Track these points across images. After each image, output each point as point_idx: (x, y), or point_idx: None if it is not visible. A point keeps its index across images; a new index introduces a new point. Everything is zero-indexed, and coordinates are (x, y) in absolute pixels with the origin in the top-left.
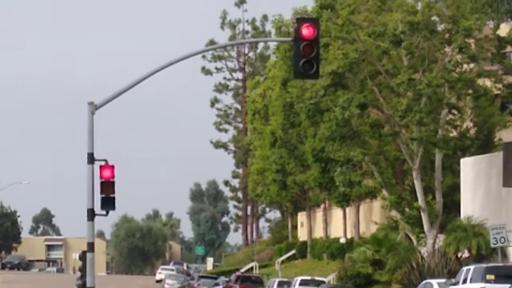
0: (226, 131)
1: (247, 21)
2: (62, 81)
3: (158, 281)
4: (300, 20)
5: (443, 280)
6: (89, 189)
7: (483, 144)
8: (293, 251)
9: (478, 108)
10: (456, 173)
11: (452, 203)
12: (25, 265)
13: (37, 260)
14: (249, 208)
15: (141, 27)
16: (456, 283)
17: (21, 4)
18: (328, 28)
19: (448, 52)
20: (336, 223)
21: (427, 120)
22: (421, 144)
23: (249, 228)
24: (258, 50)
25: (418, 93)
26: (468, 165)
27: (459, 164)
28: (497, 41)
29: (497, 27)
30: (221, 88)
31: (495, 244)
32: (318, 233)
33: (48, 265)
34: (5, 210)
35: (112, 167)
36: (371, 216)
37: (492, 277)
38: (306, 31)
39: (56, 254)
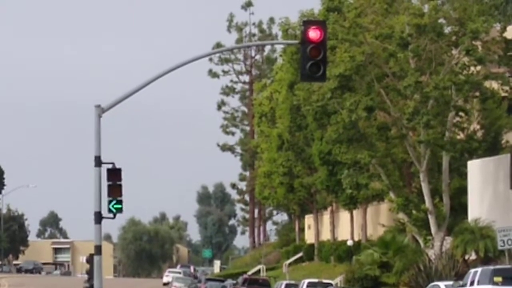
0: (233, 134)
1: (253, 24)
2: (69, 83)
3: (165, 284)
4: (307, 22)
5: (450, 283)
6: (96, 192)
7: (490, 146)
8: (300, 254)
9: (485, 110)
10: (463, 176)
11: (460, 206)
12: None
13: (44, 263)
14: (256, 210)
15: (147, 31)
16: (463, 285)
17: (28, 5)
18: (335, 30)
19: (455, 54)
20: (343, 226)
21: (434, 123)
22: (428, 147)
23: (256, 230)
24: (265, 53)
25: (425, 96)
26: (475, 168)
27: (466, 167)
28: (504, 43)
29: (504, 29)
30: (228, 91)
31: (502, 246)
32: (325, 235)
33: (55, 268)
34: (12, 213)
35: (119, 170)
36: (378, 219)
37: (499, 279)
38: (313, 33)
39: (63, 257)
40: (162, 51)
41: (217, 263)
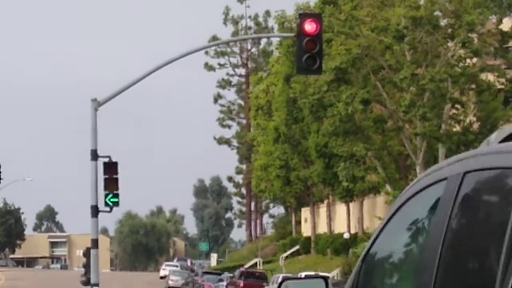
0: (229, 127)
1: (249, 17)
2: (66, 78)
3: (162, 278)
4: (303, 15)
5: None
6: (92, 186)
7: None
8: (297, 247)
9: (481, 102)
10: None
11: None
12: None
13: (41, 257)
14: (252, 204)
15: (144, 24)
16: None
17: (24, 4)
18: (331, 23)
19: (451, 47)
20: (340, 219)
21: (431, 115)
22: (424, 139)
23: (253, 224)
24: (261, 46)
25: (421, 88)
26: None
27: None
28: (500, 36)
29: (500, 21)
30: (224, 84)
31: None
32: (322, 228)
33: (52, 262)
34: (9, 207)
35: (116, 163)
36: (375, 211)
37: None
38: (309, 26)
39: (60, 251)
40: (158, 44)
41: (214, 256)
